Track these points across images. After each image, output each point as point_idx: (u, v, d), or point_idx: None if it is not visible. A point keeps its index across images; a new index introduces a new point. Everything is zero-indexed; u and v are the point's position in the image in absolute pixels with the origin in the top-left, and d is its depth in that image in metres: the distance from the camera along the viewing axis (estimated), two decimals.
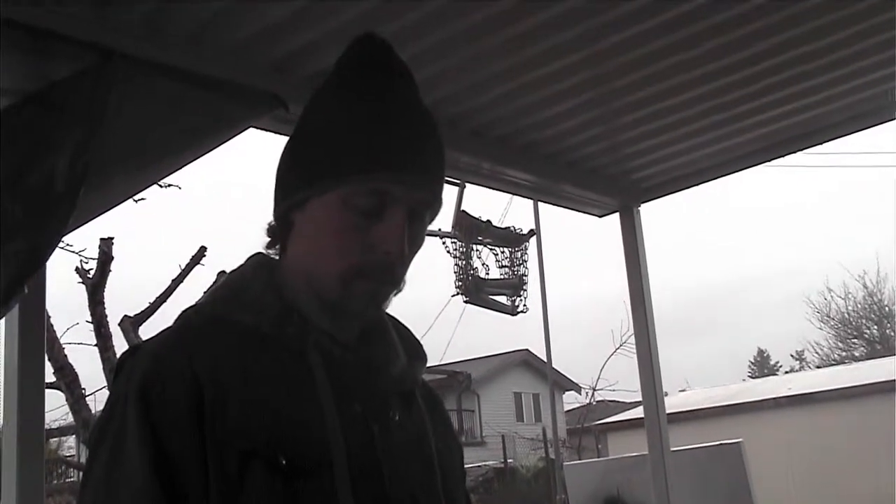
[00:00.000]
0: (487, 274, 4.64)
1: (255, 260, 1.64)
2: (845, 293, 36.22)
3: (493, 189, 4.54)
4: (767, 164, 4.78)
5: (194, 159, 3.07)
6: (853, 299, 35.83)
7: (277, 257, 1.63)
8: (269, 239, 1.65)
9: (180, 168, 3.14)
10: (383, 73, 1.57)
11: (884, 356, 23.09)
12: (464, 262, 4.58)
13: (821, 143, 4.48)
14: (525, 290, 4.77)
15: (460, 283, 4.57)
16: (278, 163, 1.62)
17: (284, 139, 1.66)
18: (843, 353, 34.67)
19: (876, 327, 35.85)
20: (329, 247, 1.52)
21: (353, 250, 1.49)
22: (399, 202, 1.49)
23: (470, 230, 4.53)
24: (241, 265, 1.63)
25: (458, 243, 4.53)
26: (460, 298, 4.62)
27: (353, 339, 1.59)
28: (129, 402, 1.43)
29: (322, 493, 1.33)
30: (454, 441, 1.75)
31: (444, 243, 4.46)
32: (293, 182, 1.57)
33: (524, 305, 4.79)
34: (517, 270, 4.73)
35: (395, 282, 1.55)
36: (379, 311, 1.60)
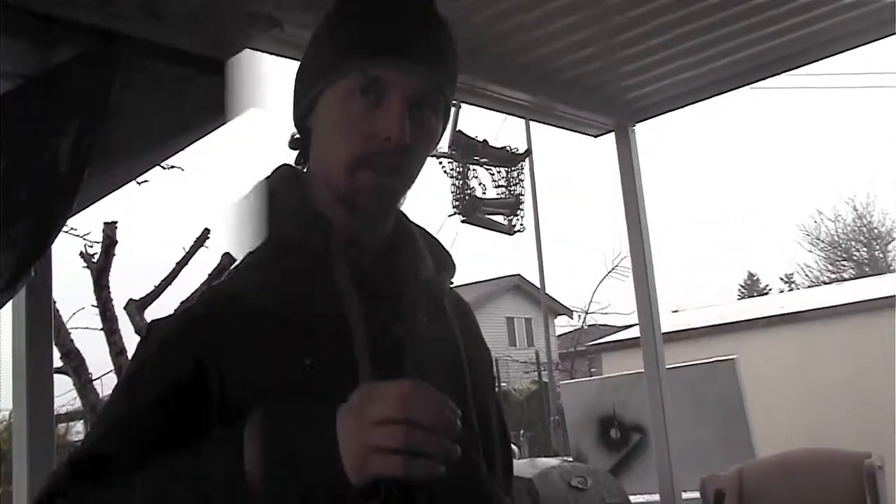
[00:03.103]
0: (484, 193, 4.63)
1: (281, 170, 1.64)
2: (835, 216, 36.34)
3: (489, 109, 4.52)
4: (759, 86, 4.78)
5: (196, 140, 3.06)
6: (843, 222, 35.99)
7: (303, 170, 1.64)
8: (295, 153, 1.65)
9: (182, 149, 3.14)
10: None
11: (872, 276, 23.28)
12: (460, 182, 4.56)
13: (815, 61, 4.46)
14: (522, 209, 4.76)
15: (457, 203, 4.55)
16: (294, 79, 1.63)
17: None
18: (833, 275, 34.83)
19: (865, 249, 35.99)
20: (336, 140, 1.52)
21: (356, 140, 1.49)
22: (397, 89, 1.48)
23: (466, 150, 4.49)
24: (268, 175, 1.63)
25: (454, 163, 4.51)
26: (455, 220, 4.62)
27: (380, 246, 1.59)
28: (126, 374, 1.49)
29: (346, 396, 1.33)
30: (484, 347, 1.75)
31: (440, 163, 4.45)
32: (301, 89, 1.58)
33: (521, 225, 4.78)
34: (514, 190, 4.70)
35: (398, 171, 1.53)
36: (387, 207, 1.58)
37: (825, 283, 31.33)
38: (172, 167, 9.23)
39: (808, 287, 31.00)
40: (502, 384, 26.16)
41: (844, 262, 36.05)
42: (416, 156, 1.55)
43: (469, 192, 4.61)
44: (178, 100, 2.86)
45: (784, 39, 4.22)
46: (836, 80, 36.82)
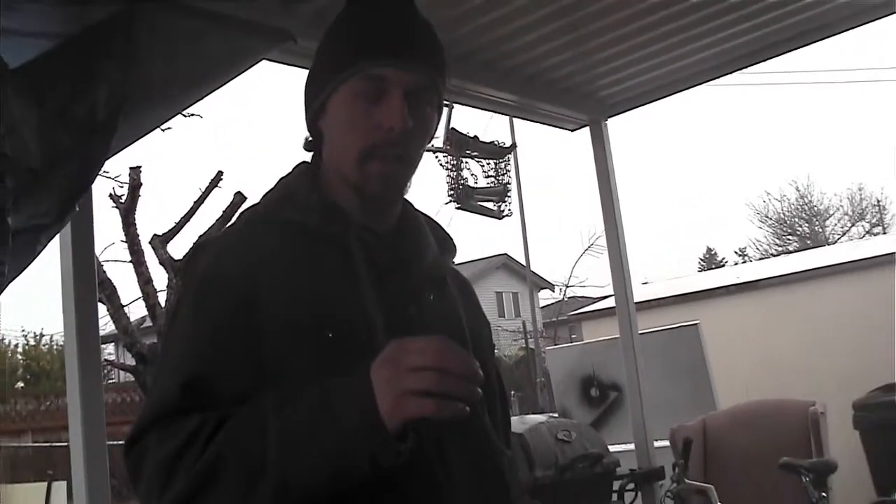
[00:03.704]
0: (476, 183, 4.61)
1: (300, 167, 1.64)
2: (781, 196, 36.37)
3: (478, 108, 4.51)
4: (715, 84, 4.79)
5: (214, 90, 3.04)
6: (788, 201, 36.04)
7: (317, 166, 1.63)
8: (310, 152, 1.65)
9: (202, 98, 3.11)
10: None
11: (812, 248, 23.33)
12: (455, 174, 4.53)
13: (763, 61, 4.46)
14: (509, 196, 4.73)
15: (452, 192, 4.53)
16: (305, 84, 1.63)
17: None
18: (780, 248, 34.87)
19: (807, 225, 36.07)
20: (345, 136, 1.53)
21: (363, 133, 1.50)
22: (395, 85, 1.49)
23: (459, 145, 4.48)
24: (289, 171, 1.64)
25: (448, 157, 4.50)
26: (451, 207, 4.60)
27: (390, 231, 1.59)
28: (189, 292, 1.47)
29: (365, 364, 1.32)
30: (483, 317, 1.76)
31: (436, 157, 4.44)
32: (314, 91, 1.59)
33: (508, 210, 4.76)
34: (502, 179, 4.68)
35: (403, 159, 1.54)
36: (395, 193, 1.59)
37: (773, 256, 31.36)
38: (192, 115, 9.31)
39: (760, 259, 31.06)
40: (494, 351, 26.19)
41: (790, 237, 36.11)
42: (416, 145, 1.56)
43: (462, 182, 4.58)
44: (198, 53, 2.86)
45: (738, 42, 4.22)
46: (781, 78, 36.91)
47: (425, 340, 1.27)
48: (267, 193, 1.61)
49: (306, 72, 1.64)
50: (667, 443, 5.70)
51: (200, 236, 8.27)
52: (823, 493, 4.70)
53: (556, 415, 7.60)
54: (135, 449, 1.36)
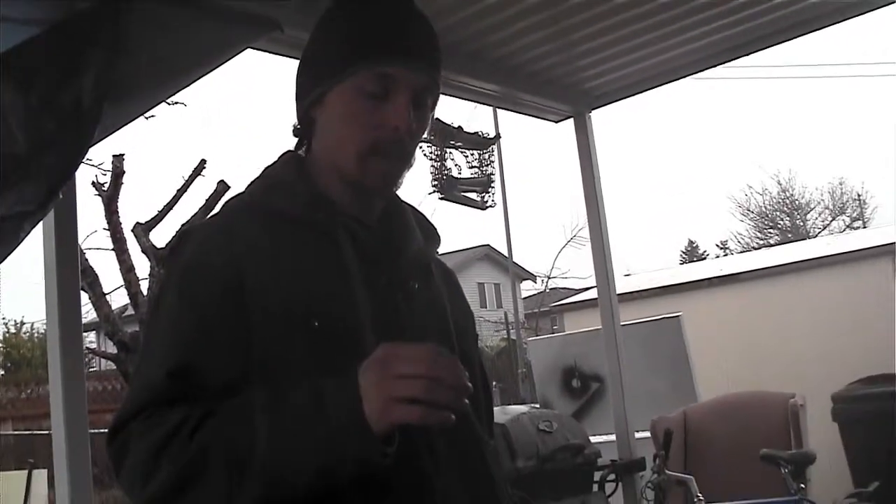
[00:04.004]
0: (459, 174, 4.62)
1: (286, 156, 1.64)
2: (763, 189, 36.49)
3: (462, 98, 4.51)
4: (699, 77, 4.81)
5: (199, 78, 3.03)
6: (769, 195, 36.17)
7: (304, 154, 1.64)
8: (296, 139, 1.66)
9: (187, 86, 3.10)
10: None
11: (793, 241, 23.44)
12: (438, 164, 4.54)
13: (747, 55, 4.47)
14: (493, 187, 4.74)
15: (436, 182, 4.53)
16: (296, 72, 1.63)
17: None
18: (761, 241, 34.99)
19: (788, 218, 36.21)
20: (347, 130, 1.53)
21: (367, 129, 1.51)
22: (403, 85, 1.51)
23: (443, 135, 4.48)
24: (275, 160, 1.64)
25: (432, 147, 4.50)
26: (434, 197, 4.60)
27: (376, 220, 1.61)
28: (173, 280, 1.47)
29: (350, 352, 1.33)
30: (466, 307, 1.77)
31: (420, 148, 4.43)
32: (310, 81, 1.58)
33: (492, 200, 4.77)
34: (485, 170, 4.69)
35: (404, 157, 1.56)
36: (393, 188, 1.60)
37: (755, 249, 31.48)
38: (176, 103, 9.24)
39: (741, 252, 31.16)
40: (478, 341, 26.18)
41: (771, 230, 36.24)
42: (416, 142, 1.58)
43: (446, 172, 4.58)
44: (184, 41, 2.85)
45: (722, 35, 4.23)
46: (764, 72, 37.03)
47: (416, 348, 1.29)
48: (252, 182, 1.61)
49: (293, 61, 1.64)
50: (648, 434, 5.74)
51: (184, 224, 8.24)
52: (802, 485, 4.75)
53: (537, 406, 7.63)
54: (118, 437, 1.36)
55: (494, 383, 19.28)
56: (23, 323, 25.19)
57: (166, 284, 1.49)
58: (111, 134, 2.94)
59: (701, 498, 4.59)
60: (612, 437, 4.94)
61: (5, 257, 2.44)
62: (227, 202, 1.62)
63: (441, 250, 1.77)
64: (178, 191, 9.33)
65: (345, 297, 1.45)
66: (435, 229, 1.73)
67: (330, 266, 1.47)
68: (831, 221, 35.16)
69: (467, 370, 1.30)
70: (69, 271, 2.85)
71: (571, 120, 4.91)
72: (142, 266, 9.17)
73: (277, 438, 1.27)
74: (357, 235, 1.53)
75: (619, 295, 5.00)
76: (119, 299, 10.35)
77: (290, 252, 1.47)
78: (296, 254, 1.47)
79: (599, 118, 4.96)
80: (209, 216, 1.58)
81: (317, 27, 1.62)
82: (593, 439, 5.27)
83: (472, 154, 4.72)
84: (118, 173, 8.81)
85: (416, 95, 1.53)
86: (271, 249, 1.46)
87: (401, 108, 1.50)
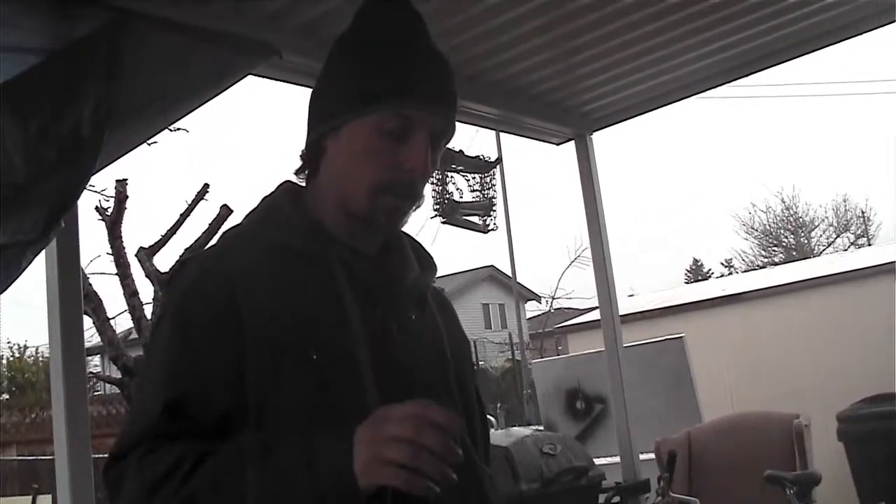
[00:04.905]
0: (461, 197, 4.62)
1: (285, 186, 1.64)
2: (766, 207, 36.51)
3: (463, 122, 4.51)
4: (702, 97, 4.82)
5: (201, 105, 3.05)
6: (773, 213, 36.17)
7: (304, 183, 1.63)
8: (301, 164, 1.64)
9: (189, 113, 3.11)
10: (404, 17, 1.58)
11: (798, 260, 23.41)
12: (440, 188, 4.54)
13: (749, 75, 4.49)
14: (494, 210, 4.75)
15: (437, 206, 4.54)
16: (310, 97, 1.62)
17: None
18: (766, 259, 34.97)
19: (792, 236, 36.20)
20: (362, 166, 1.52)
21: (382, 168, 1.50)
22: (422, 127, 1.51)
23: (444, 159, 4.49)
24: (273, 191, 1.64)
25: (434, 171, 4.51)
26: (436, 221, 4.60)
27: (374, 251, 1.60)
28: (170, 311, 1.48)
29: (348, 384, 1.33)
30: (462, 335, 1.77)
31: None
32: (328, 111, 1.56)
33: (494, 224, 4.77)
34: (487, 193, 4.69)
35: (415, 197, 1.56)
36: (400, 226, 1.61)
37: (759, 267, 31.47)
38: (179, 129, 9.28)
39: (745, 271, 31.15)
40: (480, 363, 26.18)
41: (775, 248, 36.23)
42: (428, 182, 1.59)
43: (448, 196, 4.59)
44: (184, 68, 2.86)
45: (723, 56, 4.25)
46: (767, 90, 37.11)
47: (408, 407, 1.27)
48: (250, 212, 1.61)
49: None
50: (652, 455, 5.72)
51: (186, 249, 8.26)
52: None
53: (541, 427, 7.61)
54: (116, 467, 1.37)
55: (499, 404, 19.23)
56: (27, 346, 25.21)
57: (163, 315, 1.49)
58: (113, 161, 2.95)
59: None
60: (616, 459, 4.92)
61: (7, 286, 2.45)
62: (225, 232, 1.63)
63: (446, 271, 1.77)
64: (182, 215, 9.36)
65: (340, 329, 1.45)
66: (431, 258, 1.72)
67: (325, 298, 1.47)
68: (836, 239, 35.17)
69: (463, 399, 1.29)
70: (72, 296, 2.86)
71: (572, 142, 4.92)
72: (145, 290, 9.20)
73: (267, 490, 1.28)
74: (353, 267, 1.53)
75: (622, 316, 4.99)
76: (123, 324, 10.36)
77: (286, 283, 1.47)
78: (292, 285, 1.47)
79: (602, 137, 4.99)
80: (208, 246, 1.57)
81: (338, 53, 1.60)
82: (597, 461, 5.24)
83: (474, 178, 4.73)
84: (121, 198, 8.84)
85: (433, 138, 1.53)
86: (268, 280, 1.46)
87: (420, 149, 1.50)
